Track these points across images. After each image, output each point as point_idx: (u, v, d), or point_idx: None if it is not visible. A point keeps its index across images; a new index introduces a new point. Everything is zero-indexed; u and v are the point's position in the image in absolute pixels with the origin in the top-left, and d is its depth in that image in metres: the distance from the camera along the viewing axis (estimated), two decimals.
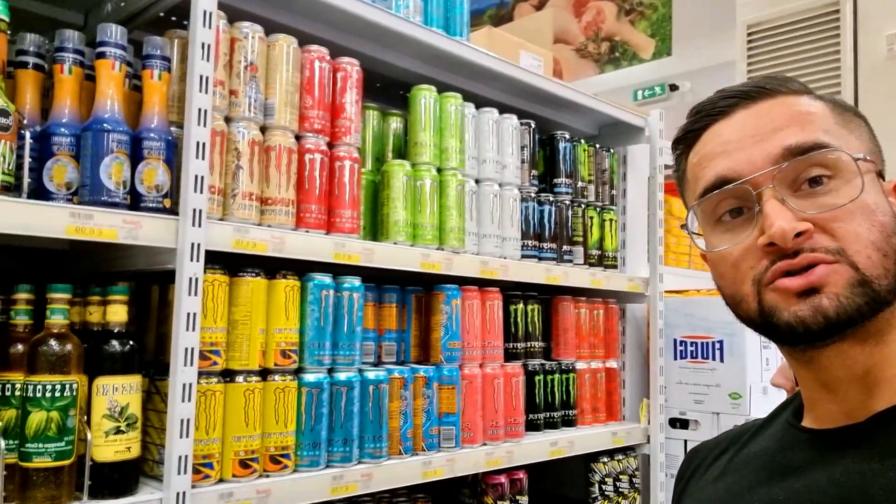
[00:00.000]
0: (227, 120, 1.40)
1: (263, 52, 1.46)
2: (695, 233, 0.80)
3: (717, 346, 2.26)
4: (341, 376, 1.50)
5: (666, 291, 2.30)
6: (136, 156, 1.25)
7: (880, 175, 0.73)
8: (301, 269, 1.48)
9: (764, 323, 0.71)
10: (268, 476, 1.38)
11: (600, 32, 6.86)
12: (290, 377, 1.43)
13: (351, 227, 1.54)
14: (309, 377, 1.45)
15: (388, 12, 1.63)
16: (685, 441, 2.32)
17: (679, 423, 2.34)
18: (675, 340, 2.34)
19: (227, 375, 1.36)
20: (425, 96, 1.72)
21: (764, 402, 2.26)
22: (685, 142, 0.80)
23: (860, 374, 0.70)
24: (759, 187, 0.70)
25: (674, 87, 6.35)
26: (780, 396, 2.39)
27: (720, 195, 0.73)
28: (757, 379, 2.25)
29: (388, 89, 1.90)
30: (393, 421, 1.58)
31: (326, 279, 1.50)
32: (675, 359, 2.34)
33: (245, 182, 1.39)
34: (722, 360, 2.26)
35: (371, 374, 1.55)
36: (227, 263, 1.37)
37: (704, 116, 0.78)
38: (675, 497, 0.95)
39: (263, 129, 1.45)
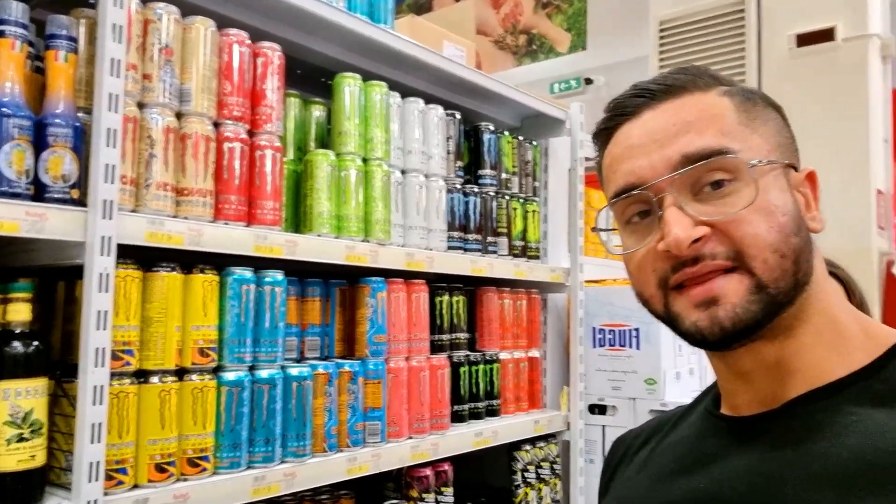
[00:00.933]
0: (140, 106, 1.32)
1: (179, 35, 1.38)
2: (603, 230, 0.82)
3: (634, 333, 2.33)
4: (263, 374, 1.45)
5: (585, 281, 2.35)
6: (39, 143, 1.16)
7: (792, 167, 0.75)
8: (220, 262, 1.42)
9: (670, 324, 0.75)
10: (186, 480, 1.32)
11: (518, 25, 6.93)
12: (208, 376, 1.37)
13: (273, 219, 1.49)
14: (229, 376, 1.40)
15: None
16: (603, 427, 2.38)
17: (598, 409, 2.40)
18: (594, 329, 2.39)
19: (141, 376, 1.29)
20: (350, 84, 1.68)
21: (677, 387, 2.35)
22: (600, 138, 0.82)
23: (772, 365, 0.73)
24: (659, 193, 0.72)
25: (589, 81, 6.50)
26: (692, 382, 2.49)
27: (627, 200, 0.75)
28: (671, 365, 2.34)
29: (309, 76, 1.85)
30: (317, 418, 1.55)
31: (247, 273, 1.45)
32: (594, 347, 2.40)
33: (159, 171, 1.32)
34: (638, 348, 2.33)
35: (294, 371, 1.51)
36: (141, 257, 1.29)
37: (616, 116, 0.79)
38: (601, 488, 0.97)
39: (179, 116, 1.38)
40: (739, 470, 0.71)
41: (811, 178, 0.77)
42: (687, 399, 2.47)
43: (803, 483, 0.65)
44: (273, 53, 1.54)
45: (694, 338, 0.72)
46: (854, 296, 1.40)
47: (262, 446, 1.43)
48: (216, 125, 1.44)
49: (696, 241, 0.69)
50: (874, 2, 3.23)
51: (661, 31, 3.98)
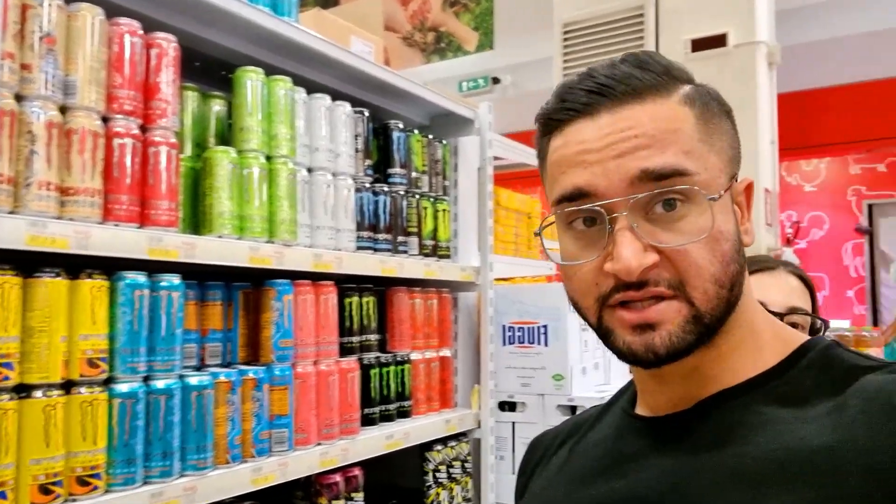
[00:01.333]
0: (19, 98, 1.21)
1: (63, 23, 1.28)
2: (544, 228, 0.78)
3: (542, 330, 2.36)
4: (159, 384, 1.37)
5: (495, 279, 2.36)
6: None
7: (734, 178, 0.73)
8: (112, 267, 1.33)
9: (601, 337, 0.74)
10: (74, 500, 1.23)
11: (426, 22, 6.93)
12: (98, 388, 1.28)
13: (168, 220, 1.41)
14: (121, 387, 1.31)
15: None
16: (513, 423, 2.41)
17: (507, 405, 2.42)
18: (503, 327, 2.41)
19: (23, 391, 1.19)
20: (252, 78, 1.61)
21: (583, 381, 2.40)
22: (546, 126, 0.76)
23: (689, 372, 0.74)
24: (612, 211, 0.69)
25: (496, 80, 6.57)
26: (597, 376, 2.55)
27: (575, 210, 0.72)
28: (577, 361, 2.39)
29: (208, 70, 1.76)
30: (219, 428, 1.48)
31: (140, 278, 1.36)
32: (504, 344, 2.42)
33: (41, 169, 1.22)
34: (546, 344, 2.37)
35: (194, 380, 1.43)
36: (22, 263, 1.19)
37: (569, 109, 0.72)
38: (518, 489, 0.96)
39: (64, 110, 1.28)
40: (656, 470, 0.72)
41: (749, 188, 0.76)
42: (593, 393, 2.52)
43: (718, 483, 0.66)
44: (168, 45, 1.46)
45: (626, 357, 0.72)
46: (814, 294, 1.46)
47: (159, 460, 1.35)
48: (105, 120, 1.34)
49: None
50: (761, 11, 3.42)
51: (565, 33, 4.07)
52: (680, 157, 0.69)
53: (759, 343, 0.74)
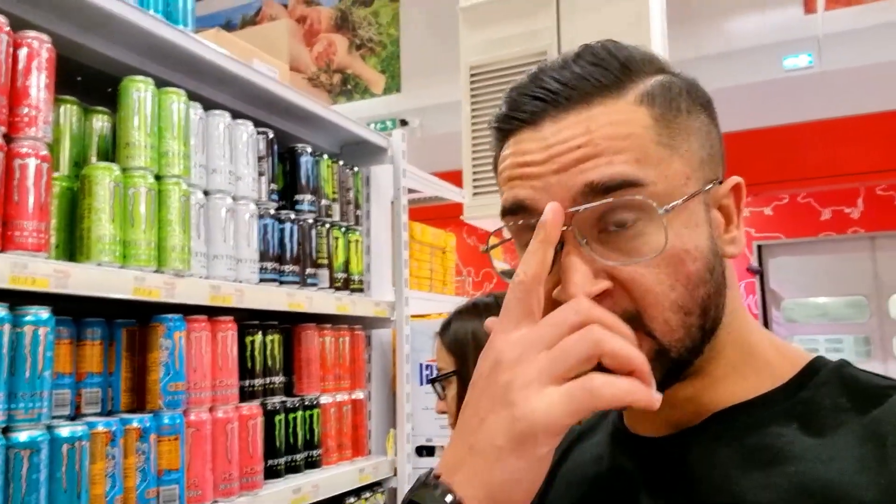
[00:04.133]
0: None
1: None
2: (492, 248, 0.72)
3: None
4: (21, 437, 1.15)
5: (411, 315, 2.23)
6: None
7: (717, 181, 0.64)
8: None
9: None
10: None
11: (332, 64, 6.86)
12: None
13: (37, 244, 1.21)
14: None
15: None
16: (431, 470, 2.25)
17: (425, 450, 2.27)
18: (421, 365, 2.28)
19: None
20: (140, 89, 1.45)
21: None
22: (497, 134, 0.68)
23: (683, 401, 0.66)
24: None
25: (404, 123, 6.56)
26: None
27: (519, 225, 0.64)
28: None
29: (90, 84, 1.57)
30: (96, 487, 1.26)
31: (0, 311, 1.15)
32: (421, 384, 2.28)
33: None
34: None
35: (65, 431, 1.22)
36: None
37: (512, 118, 0.65)
38: None
39: None
40: (661, 491, 0.65)
41: (737, 189, 0.66)
42: None
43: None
44: (40, 45, 1.28)
45: None
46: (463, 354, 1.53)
47: None
48: None
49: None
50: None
51: (472, 76, 4.07)
52: (630, 166, 0.59)
53: (758, 361, 0.66)
